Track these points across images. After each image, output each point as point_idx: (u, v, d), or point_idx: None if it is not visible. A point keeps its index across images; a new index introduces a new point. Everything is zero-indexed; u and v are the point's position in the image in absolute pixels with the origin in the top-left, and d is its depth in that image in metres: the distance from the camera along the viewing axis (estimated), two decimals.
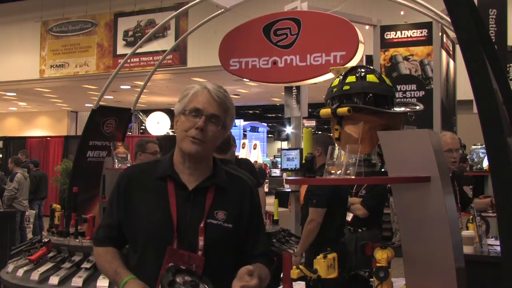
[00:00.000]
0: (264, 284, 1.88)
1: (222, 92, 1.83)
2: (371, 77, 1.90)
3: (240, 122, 24.13)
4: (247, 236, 1.88)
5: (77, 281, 3.46)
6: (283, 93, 7.26)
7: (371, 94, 1.86)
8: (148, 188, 1.83)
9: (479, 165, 7.62)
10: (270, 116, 28.77)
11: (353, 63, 6.01)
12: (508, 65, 6.58)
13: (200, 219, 1.78)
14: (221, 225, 1.80)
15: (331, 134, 2.01)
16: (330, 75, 5.92)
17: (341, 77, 1.94)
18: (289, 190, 7.34)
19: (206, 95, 1.80)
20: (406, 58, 6.98)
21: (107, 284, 3.35)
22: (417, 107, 2.05)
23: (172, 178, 1.82)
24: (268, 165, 23.50)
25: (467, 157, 7.51)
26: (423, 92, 6.82)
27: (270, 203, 7.10)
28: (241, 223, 1.85)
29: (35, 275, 3.56)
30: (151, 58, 12.73)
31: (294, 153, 6.70)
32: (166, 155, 1.91)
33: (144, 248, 1.79)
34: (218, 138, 1.83)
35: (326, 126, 25.24)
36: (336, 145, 1.93)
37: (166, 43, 12.36)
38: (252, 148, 21.36)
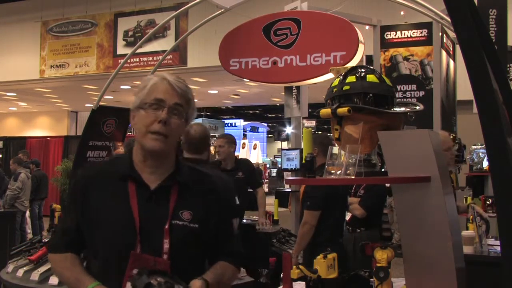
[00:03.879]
0: (227, 284, 1.82)
1: (183, 82, 1.73)
2: (371, 77, 1.90)
3: (240, 122, 24.11)
4: (215, 235, 1.79)
5: None
6: (283, 93, 7.26)
7: (371, 94, 1.86)
8: (108, 189, 1.72)
9: (479, 165, 7.62)
10: (270, 116, 28.76)
11: (353, 63, 6.01)
12: (508, 65, 6.57)
13: (165, 220, 1.67)
14: (186, 225, 1.69)
15: (331, 134, 2.01)
16: (330, 75, 5.92)
17: (341, 77, 1.94)
18: (289, 190, 7.34)
19: (166, 85, 1.69)
20: (406, 58, 6.97)
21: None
22: (417, 107, 2.05)
23: (133, 178, 1.71)
24: (268, 165, 23.48)
25: (467, 157, 7.51)
26: (423, 92, 6.81)
27: (270, 203, 7.10)
28: (208, 222, 1.74)
29: (35, 275, 3.55)
30: (151, 58, 12.73)
31: (294, 153, 6.70)
32: (125, 153, 1.82)
33: (106, 253, 1.68)
34: (181, 132, 1.75)
35: (326, 126, 25.24)
36: (335, 145, 1.93)
37: (166, 43, 12.35)
38: (252, 148, 21.35)
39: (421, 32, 6.94)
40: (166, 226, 1.66)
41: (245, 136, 23.53)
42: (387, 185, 3.93)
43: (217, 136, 6.91)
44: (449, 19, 4.49)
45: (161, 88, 1.69)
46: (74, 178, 1.82)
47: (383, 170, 1.91)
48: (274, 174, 22.66)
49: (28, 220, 9.50)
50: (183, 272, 1.63)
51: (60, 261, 1.76)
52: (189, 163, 1.90)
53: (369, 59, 7.50)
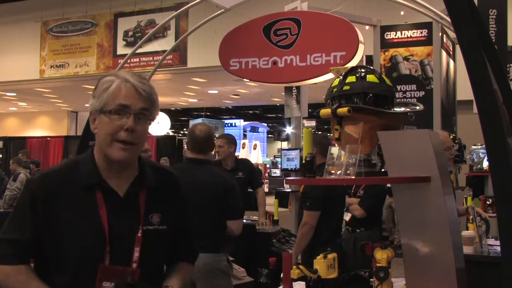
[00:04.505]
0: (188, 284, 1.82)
1: (146, 83, 1.62)
2: (371, 77, 1.90)
3: (240, 122, 24.11)
4: (179, 235, 1.76)
5: None
6: (283, 93, 7.26)
7: (371, 94, 1.86)
8: (73, 199, 1.58)
9: (479, 165, 7.62)
10: (270, 116, 28.76)
11: (353, 63, 6.01)
12: (508, 65, 6.58)
13: (136, 227, 1.61)
14: (156, 229, 1.64)
15: (330, 134, 2.01)
16: (330, 75, 5.92)
17: (341, 77, 1.94)
18: (289, 190, 7.34)
19: (130, 89, 1.57)
20: (406, 58, 6.97)
21: None
22: (417, 107, 2.05)
23: (100, 186, 1.60)
24: (268, 165, 23.48)
25: (467, 157, 7.52)
26: (423, 92, 6.81)
27: (270, 203, 7.09)
28: (174, 221, 1.72)
29: None
30: (151, 58, 12.74)
31: (294, 153, 6.70)
32: (85, 156, 1.67)
33: (74, 266, 1.56)
34: (147, 135, 1.65)
35: (326, 126, 25.23)
36: (335, 145, 1.93)
37: (166, 43, 12.37)
38: (252, 148, 21.35)
39: (421, 32, 6.95)
40: (139, 234, 1.60)
41: (245, 136, 23.54)
42: (388, 185, 3.94)
43: (216, 136, 6.92)
44: (449, 19, 4.49)
45: (125, 92, 1.56)
46: (30, 185, 1.65)
47: (383, 170, 1.91)
48: (274, 174, 22.64)
49: None
50: (150, 277, 1.60)
51: (13, 275, 1.57)
52: (151, 162, 1.86)
53: (369, 59, 7.50)
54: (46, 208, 1.57)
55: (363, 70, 1.94)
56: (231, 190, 3.39)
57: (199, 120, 19.02)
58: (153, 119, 1.64)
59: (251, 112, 27.34)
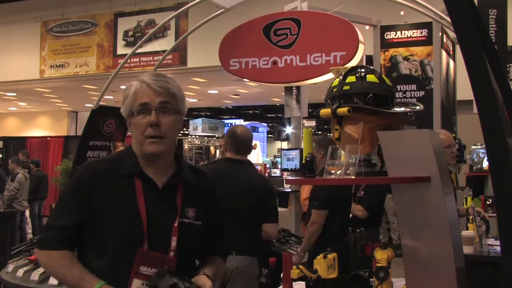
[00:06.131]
0: (219, 277, 1.91)
1: (162, 79, 1.73)
2: (371, 77, 1.90)
3: (240, 122, 24.13)
4: (212, 232, 1.86)
5: None
6: (283, 93, 7.26)
7: (371, 94, 1.86)
8: (114, 187, 1.71)
9: (479, 165, 7.62)
10: (270, 116, 28.73)
11: (353, 63, 6.01)
12: (508, 65, 6.57)
13: (173, 218, 1.71)
14: (192, 223, 1.75)
15: (330, 134, 2.01)
16: (330, 75, 5.92)
17: (341, 77, 1.94)
18: (289, 190, 7.34)
19: (145, 88, 1.70)
20: (406, 58, 6.97)
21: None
22: (417, 107, 2.05)
23: (140, 175, 1.72)
24: (268, 165, 23.46)
25: (467, 157, 7.52)
26: (423, 92, 6.81)
27: None
28: (208, 219, 1.81)
29: (35, 275, 3.55)
30: (151, 58, 12.73)
31: (294, 153, 6.70)
32: (127, 150, 1.81)
33: (113, 251, 1.66)
34: (177, 127, 1.76)
35: (326, 126, 25.22)
36: (336, 145, 1.93)
37: (166, 43, 12.35)
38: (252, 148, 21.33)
39: (421, 32, 6.94)
40: (175, 224, 1.70)
41: None
42: None
43: (217, 136, 6.93)
44: (449, 19, 4.49)
45: (143, 92, 1.70)
46: (77, 174, 1.77)
47: (383, 170, 1.91)
48: (274, 174, 22.64)
49: (29, 220, 9.49)
50: (185, 268, 1.69)
51: (58, 259, 1.69)
52: (188, 162, 1.95)
53: (369, 59, 7.50)
54: (90, 194, 1.69)
55: (363, 70, 1.94)
56: (270, 193, 3.38)
57: (199, 120, 19.01)
58: (180, 111, 1.75)
59: (251, 112, 27.31)
